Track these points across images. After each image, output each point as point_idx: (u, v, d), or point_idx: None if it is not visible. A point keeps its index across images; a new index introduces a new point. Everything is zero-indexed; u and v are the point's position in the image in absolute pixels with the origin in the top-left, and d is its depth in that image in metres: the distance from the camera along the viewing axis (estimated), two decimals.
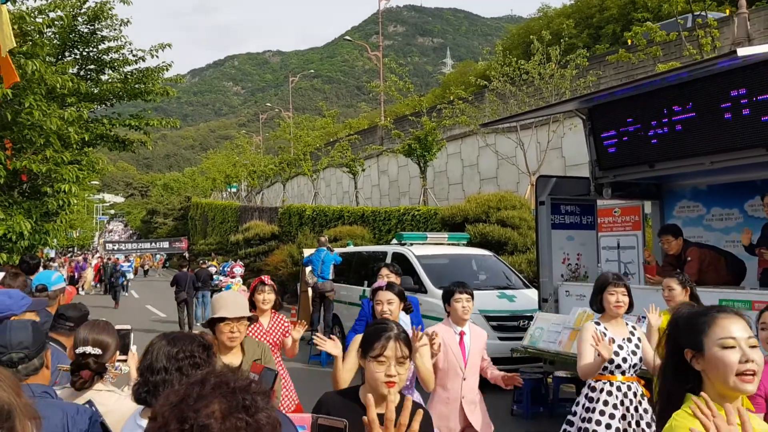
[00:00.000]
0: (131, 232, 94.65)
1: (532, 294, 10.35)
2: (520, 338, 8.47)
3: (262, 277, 5.42)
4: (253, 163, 45.37)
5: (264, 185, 48.30)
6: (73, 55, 14.05)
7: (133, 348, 3.36)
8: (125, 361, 3.35)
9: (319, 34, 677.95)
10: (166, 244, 53.35)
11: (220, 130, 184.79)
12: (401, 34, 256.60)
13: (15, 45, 7.28)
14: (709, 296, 6.41)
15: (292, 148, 37.29)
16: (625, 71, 21.00)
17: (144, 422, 2.18)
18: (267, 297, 5.26)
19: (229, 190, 53.73)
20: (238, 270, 28.58)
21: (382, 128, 35.41)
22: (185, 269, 18.72)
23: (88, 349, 2.87)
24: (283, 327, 5.29)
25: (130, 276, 33.83)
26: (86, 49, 14.02)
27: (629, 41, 19.20)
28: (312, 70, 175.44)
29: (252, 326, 4.71)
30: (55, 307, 4.48)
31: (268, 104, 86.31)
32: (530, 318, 8.76)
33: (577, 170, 17.80)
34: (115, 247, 51.25)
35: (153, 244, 54.89)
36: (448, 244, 12.60)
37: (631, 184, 8.68)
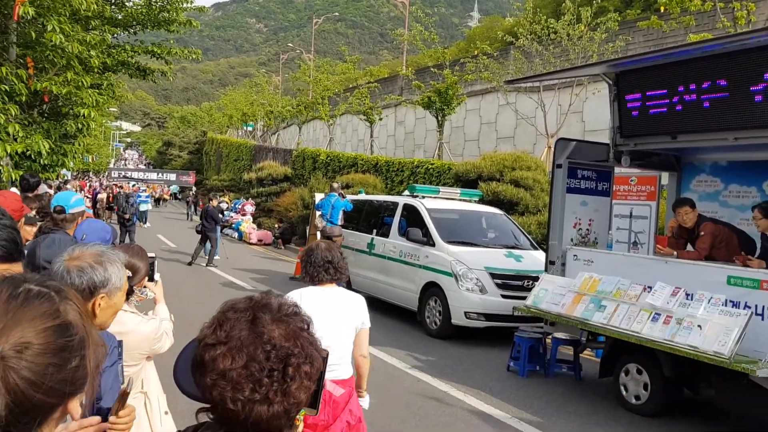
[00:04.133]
0: (147, 162, 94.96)
1: (539, 255, 10.39)
2: (524, 297, 8.54)
3: None
4: (270, 103, 45.11)
5: (280, 126, 48.10)
6: None
7: (157, 276, 3.42)
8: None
9: None
10: (173, 177, 52.88)
11: (239, 67, 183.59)
12: None
13: None
14: (718, 272, 6.42)
15: (311, 91, 37.03)
16: (655, 39, 20.58)
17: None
18: None
19: (245, 128, 53.51)
20: (249, 208, 28.91)
21: (402, 78, 35.04)
22: (213, 203, 18.53)
23: None
24: None
25: (148, 207, 33.52)
26: None
27: (662, 8, 18.73)
28: (336, 13, 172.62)
29: None
30: (72, 230, 4.49)
31: (290, 44, 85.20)
32: (535, 279, 8.81)
33: (596, 136, 17.63)
34: (120, 175, 50.89)
35: (159, 175, 54.39)
36: (460, 200, 12.60)
37: (650, 153, 8.61)
